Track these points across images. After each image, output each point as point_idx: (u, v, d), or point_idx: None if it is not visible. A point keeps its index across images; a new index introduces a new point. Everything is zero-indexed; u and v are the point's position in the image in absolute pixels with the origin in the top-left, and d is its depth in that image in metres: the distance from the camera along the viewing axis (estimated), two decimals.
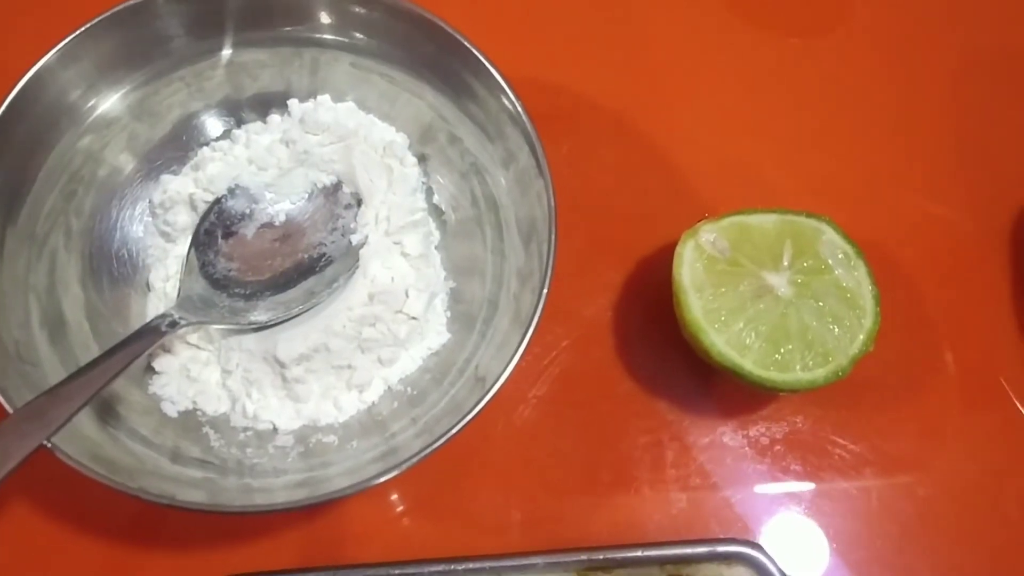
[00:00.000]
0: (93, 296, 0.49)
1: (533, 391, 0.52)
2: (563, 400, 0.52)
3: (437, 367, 0.50)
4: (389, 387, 0.50)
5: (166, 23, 0.49)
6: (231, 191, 0.51)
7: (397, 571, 0.47)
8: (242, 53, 0.52)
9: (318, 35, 0.51)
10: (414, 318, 0.50)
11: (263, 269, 0.50)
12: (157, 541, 0.49)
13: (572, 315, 0.54)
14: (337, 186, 0.52)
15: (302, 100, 0.53)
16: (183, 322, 0.46)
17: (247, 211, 0.51)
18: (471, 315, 0.50)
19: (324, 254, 0.50)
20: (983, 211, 0.58)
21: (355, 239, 0.51)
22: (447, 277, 0.52)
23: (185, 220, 0.51)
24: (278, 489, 0.45)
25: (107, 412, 0.46)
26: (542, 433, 0.52)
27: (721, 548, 0.48)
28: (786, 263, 0.50)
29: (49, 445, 0.39)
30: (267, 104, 0.54)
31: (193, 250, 0.49)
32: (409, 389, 0.49)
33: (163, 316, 0.46)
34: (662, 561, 0.48)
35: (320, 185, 0.52)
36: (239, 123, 0.54)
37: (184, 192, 0.51)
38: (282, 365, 0.47)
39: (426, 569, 0.47)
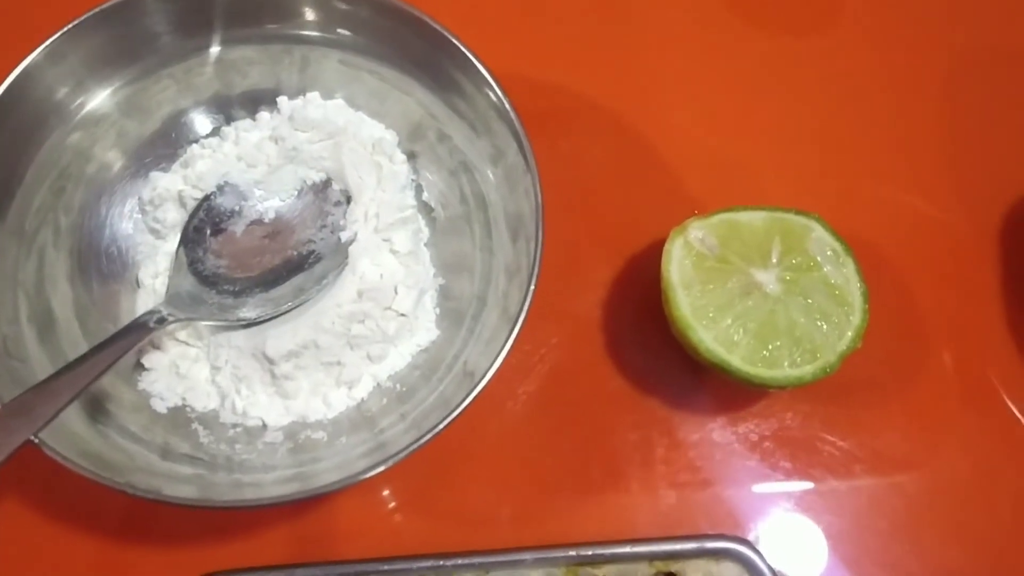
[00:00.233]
0: (82, 293, 0.49)
1: (523, 387, 0.52)
2: (553, 397, 0.52)
3: (426, 363, 0.50)
4: (378, 384, 0.50)
5: (154, 20, 0.49)
6: (220, 188, 0.51)
7: (387, 567, 0.47)
8: (231, 50, 0.52)
9: (306, 32, 0.52)
10: (403, 315, 0.50)
11: (252, 266, 0.50)
12: (147, 537, 0.49)
13: (562, 312, 0.54)
14: (326, 183, 0.52)
15: (291, 97, 0.53)
16: (171, 318, 0.46)
17: (236, 208, 0.51)
18: (460, 312, 0.50)
19: (313, 251, 0.51)
20: (973, 209, 0.58)
21: (344, 236, 0.51)
22: (436, 274, 0.52)
23: (174, 217, 0.51)
24: (268, 484, 0.45)
25: (97, 409, 0.46)
26: (532, 429, 0.52)
27: (710, 544, 0.48)
28: (775, 260, 0.50)
29: (37, 441, 0.39)
30: (256, 101, 0.54)
31: (182, 247, 0.49)
32: (398, 386, 0.49)
33: (151, 312, 0.46)
34: (651, 557, 0.48)
35: (309, 182, 0.52)
36: (228, 120, 0.53)
37: (173, 189, 0.51)
38: (271, 362, 0.47)
39: (415, 565, 0.47)
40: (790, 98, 0.61)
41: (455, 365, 0.48)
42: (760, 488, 0.51)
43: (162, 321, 0.45)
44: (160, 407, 0.48)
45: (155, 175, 0.52)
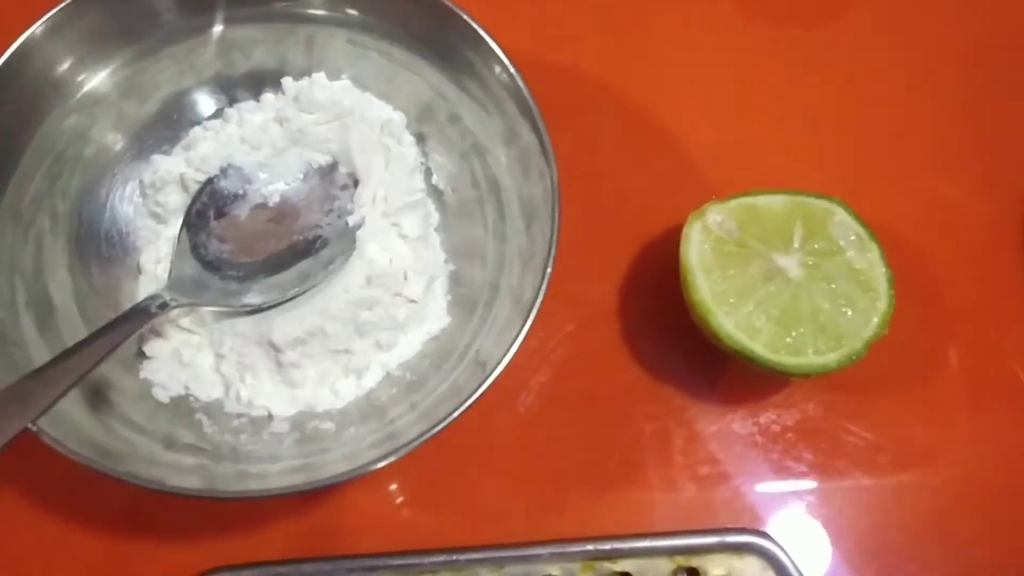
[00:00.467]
0: (81, 279, 0.47)
1: (536, 377, 0.51)
2: (567, 386, 0.51)
3: (437, 352, 0.48)
4: (388, 372, 0.48)
5: None
6: (223, 171, 0.49)
7: (398, 561, 0.45)
8: (234, 29, 0.50)
9: (311, 11, 0.50)
10: (413, 301, 0.48)
11: (257, 251, 0.48)
12: (150, 530, 0.48)
13: (576, 299, 0.52)
14: (333, 166, 0.50)
15: (297, 78, 0.51)
16: (174, 303, 0.44)
17: (240, 191, 0.49)
18: (472, 299, 0.49)
19: (320, 236, 0.49)
20: (997, 193, 0.56)
21: (352, 220, 0.49)
22: (447, 260, 0.51)
23: (176, 201, 0.50)
24: (273, 475, 0.43)
25: (97, 398, 0.44)
26: (546, 420, 0.50)
27: (731, 538, 0.46)
28: (796, 244, 0.49)
29: (35, 429, 0.37)
30: (260, 82, 0.52)
31: (185, 231, 0.48)
32: (408, 374, 0.48)
33: (153, 297, 0.44)
34: (671, 552, 0.46)
35: (315, 165, 0.50)
36: (231, 101, 0.52)
37: (175, 172, 0.50)
38: (277, 349, 0.46)
39: (427, 559, 0.46)
40: (810, 82, 0.59)
41: (467, 354, 0.46)
42: (782, 481, 0.50)
43: (164, 306, 0.44)
44: (163, 396, 0.46)
45: (156, 158, 0.50)
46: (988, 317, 0.53)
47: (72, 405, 0.42)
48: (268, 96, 0.52)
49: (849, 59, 0.60)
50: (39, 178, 0.47)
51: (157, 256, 0.49)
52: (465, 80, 0.49)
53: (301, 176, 0.50)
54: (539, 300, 0.42)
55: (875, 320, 0.47)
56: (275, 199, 0.50)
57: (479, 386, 0.41)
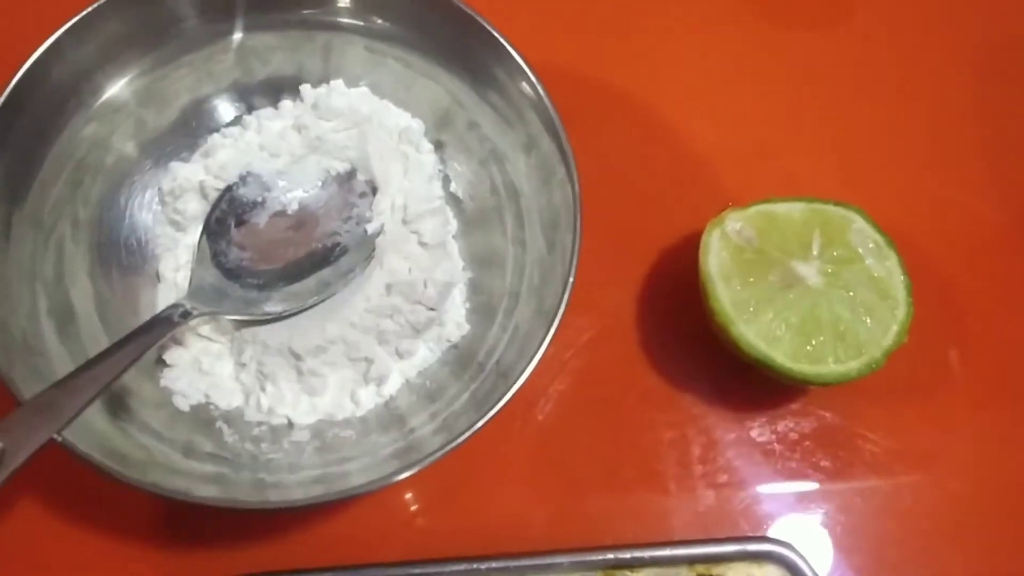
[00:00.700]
0: (102, 286, 0.47)
1: (555, 385, 0.51)
2: (586, 394, 0.51)
3: (456, 360, 0.48)
4: (407, 380, 0.48)
5: (178, 3, 0.47)
6: (243, 178, 0.49)
7: (418, 570, 0.45)
8: (253, 36, 0.50)
9: (330, 18, 0.50)
10: (432, 309, 0.48)
11: (276, 258, 0.48)
12: (167, 538, 0.47)
13: (594, 307, 0.52)
14: (351, 173, 0.50)
15: (315, 85, 0.51)
16: (195, 312, 0.44)
17: (259, 199, 0.49)
18: (491, 306, 0.49)
19: (339, 243, 0.49)
20: (1013, 199, 0.56)
21: (371, 228, 0.49)
22: (465, 267, 0.51)
23: (195, 208, 0.49)
24: (293, 485, 0.43)
25: (118, 405, 0.44)
26: (564, 428, 0.50)
27: (752, 547, 0.46)
28: (815, 252, 0.49)
29: (60, 439, 0.37)
30: (278, 89, 0.52)
31: (205, 239, 0.47)
32: (428, 382, 0.48)
33: (175, 306, 0.44)
34: (691, 560, 0.46)
35: (334, 172, 0.50)
36: (250, 109, 0.52)
37: (194, 179, 0.49)
38: (298, 357, 0.46)
39: (447, 568, 0.45)
40: (824, 88, 0.59)
41: (487, 363, 0.46)
42: (801, 488, 0.50)
43: (186, 315, 0.44)
44: (183, 404, 0.46)
45: (175, 165, 0.50)
46: (1006, 324, 0.54)
47: (92, 412, 0.41)
48: (286, 103, 0.52)
49: (862, 65, 0.60)
50: (60, 185, 0.47)
51: (176, 264, 0.49)
52: (484, 88, 0.49)
53: (319, 183, 0.50)
54: (561, 311, 0.42)
55: (894, 328, 0.47)
56: (294, 207, 0.50)
57: (501, 398, 0.41)
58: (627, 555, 0.46)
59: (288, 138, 0.51)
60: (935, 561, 0.49)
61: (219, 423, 0.46)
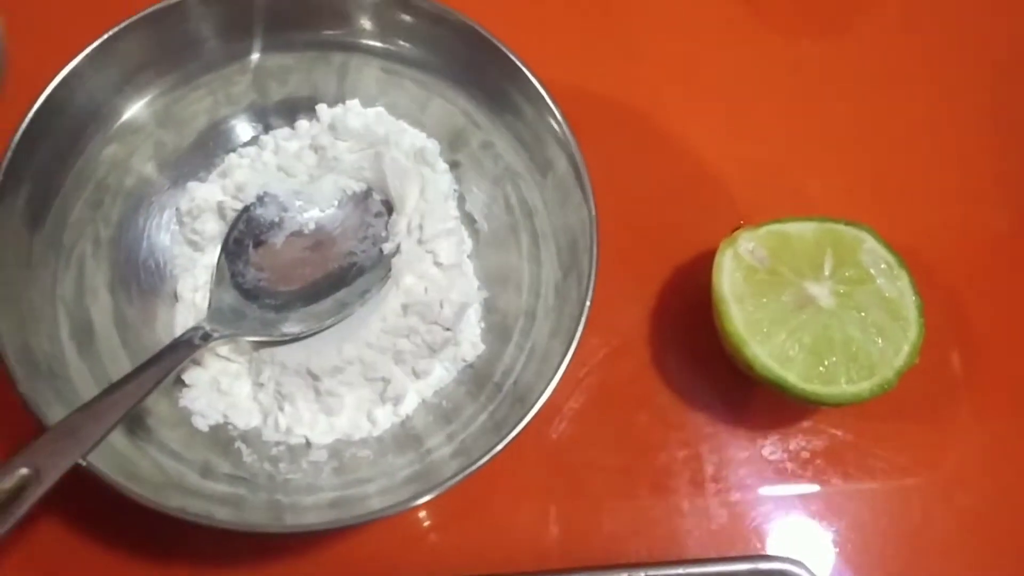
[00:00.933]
0: (122, 303, 0.48)
1: (569, 403, 0.51)
2: (599, 412, 0.51)
3: (472, 380, 0.49)
4: (423, 400, 0.49)
5: (198, 26, 0.48)
6: (260, 199, 0.50)
7: None
8: (270, 57, 0.51)
9: (354, 39, 0.50)
10: (448, 329, 0.48)
11: (294, 279, 0.49)
12: (181, 556, 0.48)
13: (607, 325, 0.52)
14: (367, 193, 0.51)
15: (331, 105, 0.52)
16: (216, 335, 0.45)
17: (276, 219, 0.50)
18: (507, 326, 0.49)
19: (355, 263, 0.49)
20: None
21: (387, 248, 0.49)
22: (480, 287, 0.51)
23: (213, 228, 0.50)
24: (310, 507, 0.44)
25: (136, 425, 0.45)
26: (578, 446, 0.50)
27: (764, 565, 0.47)
28: (827, 273, 0.49)
29: (85, 463, 0.38)
30: (294, 109, 0.52)
31: (224, 259, 0.48)
32: (444, 402, 0.48)
33: (195, 329, 0.44)
34: None
35: (350, 192, 0.51)
36: (266, 128, 0.52)
37: (212, 200, 0.50)
38: (315, 378, 0.46)
39: None
40: (832, 105, 0.60)
41: (504, 384, 0.47)
42: (813, 506, 0.50)
43: (207, 338, 0.44)
44: (202, 425, 0.47)
45: (192, 185, 0.51)
46: (1018, 343, 0.54)
47: (112, 434, 0.42)
48: (303, 123, 0.52)
49: (872, 84, 0.60)
50: (80, 206, 0.47)
51: (195, 284, 0.49)
52: (500, 108, 0.50)
53: (335, 203, 0.51)
54: (578, 335, 0.43)
55: (906, 349, 0.48)
56: (310, 226, 0.50)
57: (518, 422, 0.41)
58: (641, 574, 0.46)
59: (305, 158, 0.51)
60: None
61: (237, 443, 0.47)
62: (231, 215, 0.50)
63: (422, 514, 0.49)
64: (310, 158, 0.51)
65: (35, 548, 0.47)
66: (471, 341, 0.49)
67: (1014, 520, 0.50)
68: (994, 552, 0.50)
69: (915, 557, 0.49)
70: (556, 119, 0.46)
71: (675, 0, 0.62)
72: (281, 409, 0.47)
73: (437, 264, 0.50)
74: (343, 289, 0.49)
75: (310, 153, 0.51)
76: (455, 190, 0.52)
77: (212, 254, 0.50)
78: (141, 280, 0.49)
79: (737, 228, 0.51)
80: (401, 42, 0.50)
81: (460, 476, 0.40)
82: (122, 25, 0.45)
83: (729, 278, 0.49)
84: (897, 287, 0.49)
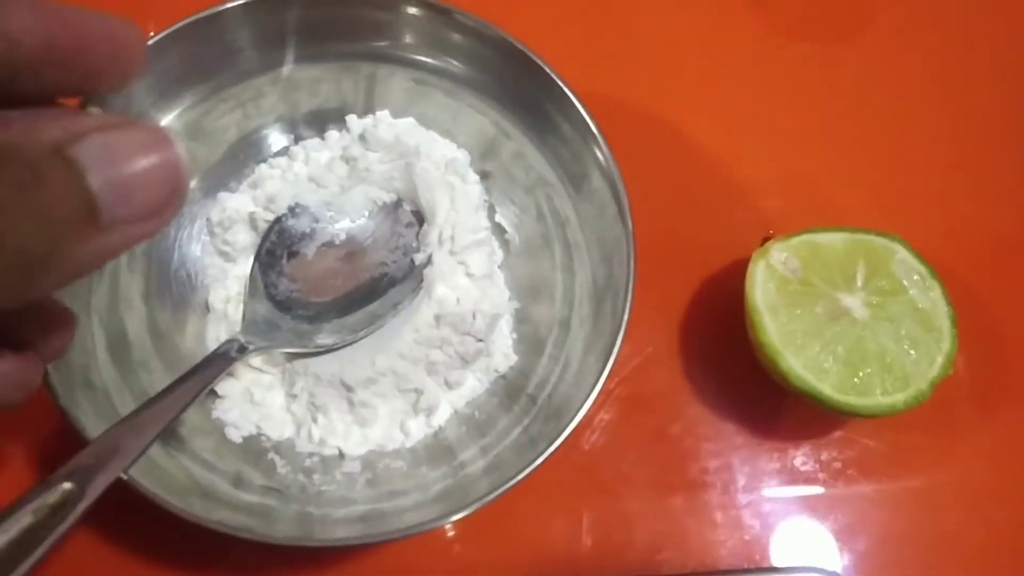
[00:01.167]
0: (156, 312, 0.48)
1: (600, 414, 0.51)
2: (631, 423, 0.51)
3: (504, 391, 0.49)
4: (456, 410, 0.48)
5: (235, 35, 0.47)
6: (292, 210, 0.49)
7: None
8: (301, 68, 0.50)
9: (385, 51, 0.50)
10: (480, 340, 0.48)
11: (326, 290, 0.49)
12: (208, 564, 0.47)
13: (639, 335, 0.52)
14: (397, 203, 0.51)
15: (360, 116, 0.52)
16: (251, 347, 0.44)
17: (308, 230, 0.49)
18: (539, 337, 0.49)
19: (386, 274, 0.49)
20: None
21: (418, 259, 0.49)
22: (511, 297, 0.51)
23: (244, 239, 0.50)
24: (339, 522, 0.44)
25: (170, 435, 0.44)
26: (610, 457, 0.50)
27: None
28: (859, 284, 0.49)
29: (126, 477, 0.38)
30: (324, 120, 0.52)
31: (257, 271, 0.48)
32: (476, 413, 0.48)
33: (231, 341, 0.44)
34: None
35: (380, 203, 0.51)
36: (297, 139, 0.52)
37: (244, 211, 0.50)
38: (349, 389, 0.46)
39: None
40: (863, 114, 0.60)
41: (539, 396, 0.47)
42: (845, 517, 0.50)
43: (243, 350, 0.44)
44: (235, 436, 0.46)
45: (223, 196, 0.50)
46: None
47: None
48: (333, 133, 0.52)
49: (901, 93, 0.60)
50: None
51: (226, 295, 0.49)
52: (532, 119, 0.50)
53: (366, 214, 0.50)
54: (615, 352, 0.43)
55: (939, 360, 0.47)
56: (341, 237, 0.50)
57: (553, 441, 0.41)
58: None
59: (336, 169, 0.51)
60: None
61: (271, 454, 0.46)
62: (262, 226, 0.50)
63: (454, 522, 0.49)
64: (341, 169, 0.51)
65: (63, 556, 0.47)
66: (503, 352, 0.49)
67: None
68: None
69: (948, 567, 0.49)
70: (592, 132, 0.46)
71: (706, 15, 0.62)
72: (314, 420, 0.47)
73: (468, 275, 0.50)
74: (375, 300, 0.48)
75: (341, 164, 0.51)
76: (485, 200, 0.52)
77: (243, 265, 0.50)
78: (172, 291, 0.49)
79: (767, 238, 0.51)
80: (437, 54, 0.50)
81: (494, 494, 0.40)
82: (164, 34, 0.45)
83: (762, 289, 0.49)
84: (930, 298, 0.49)
